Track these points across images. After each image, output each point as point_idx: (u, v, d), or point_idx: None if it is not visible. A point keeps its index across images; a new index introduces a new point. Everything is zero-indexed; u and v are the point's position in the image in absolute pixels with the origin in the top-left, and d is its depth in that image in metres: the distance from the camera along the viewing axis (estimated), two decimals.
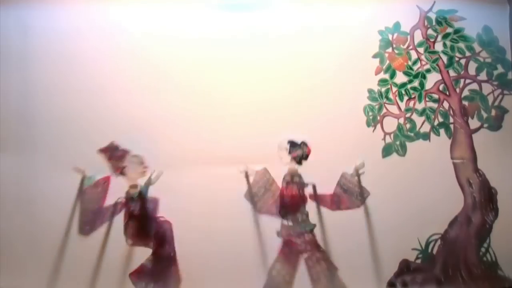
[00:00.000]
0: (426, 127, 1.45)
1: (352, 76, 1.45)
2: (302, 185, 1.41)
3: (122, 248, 1.37)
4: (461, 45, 1.48)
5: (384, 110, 1.45)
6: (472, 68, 1.48)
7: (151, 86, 1.43)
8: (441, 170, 1.44)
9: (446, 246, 1.41)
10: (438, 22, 1.49)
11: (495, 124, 1.46)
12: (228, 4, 1.47)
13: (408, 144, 1.44)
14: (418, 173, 1.43)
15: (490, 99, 1.47)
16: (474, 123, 1.46)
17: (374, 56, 1.47)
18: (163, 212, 1.39)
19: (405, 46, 1.48)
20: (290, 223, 1.40)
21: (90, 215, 1.37)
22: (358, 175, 1.41)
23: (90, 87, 1.42)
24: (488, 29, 1.49)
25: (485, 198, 1.43)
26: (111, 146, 1.40)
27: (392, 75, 1.47)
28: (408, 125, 1.45)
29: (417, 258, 1.41)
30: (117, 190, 1.39)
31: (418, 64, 1.48)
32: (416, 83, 1.47)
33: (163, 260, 1.37)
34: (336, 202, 1.40)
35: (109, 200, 1.39)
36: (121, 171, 1.40)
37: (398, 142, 1.44)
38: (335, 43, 1.46)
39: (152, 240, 1.38)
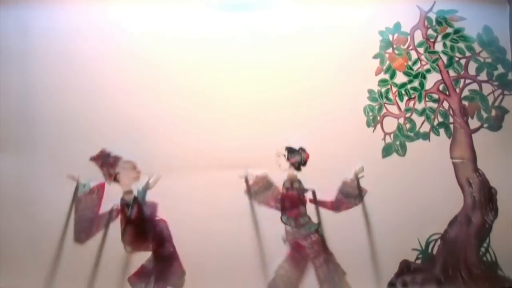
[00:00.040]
0: (426, 127, 1.45)
1: (352, 77, 1.45)
2: (302, 191, 1.41)
3: (119, 250, 1.37)
4: (461, 45, 1.48)
5: (384, 110, 1.45)
6: (472, 68, 1.48)
7: (151, 86, 1.43)
8: (441, 170, 1.44)
9: (446, 246, 1.42)
10: (438, 22, 1.49)
11: (495, 124, 1.46)
12: (228, 4, 1.47)
13: (408, 144, 1.44)
14: (418, 173, 1.43)
15: (491, 99, 1.47)
16: (474, 123, 1.46)
17: (375, 57, 1.47)
18: (162, 216, 1.38)
19: (405, 47, 1.48)
20: (294, 229, 1.40)
21: (86, 223, 1.36)
22: (358, 179, 1.41)
23: (90, 87, 1.42)
24: (488, 29, 1.49)
25: (485, 198, 1.43)
26: (103, 153, 1.39)
27: (392, 75, 1.47)
28: (408, 125, 1.45)
29: (417, 258, 1.41)
30: (112, 196, 1.38)
31: (418, 64, 1.48)
32: (416, 83, 1.47)
33: (165, 259, 1.37)
34: (336, 207, 1.40)
35: (104, 207, 1.38)
36: (114, 178, 1.39)
37: (398, 142, 1.44)
38: (335, 43, 1.46)
39: (150, 242, 1.37)
